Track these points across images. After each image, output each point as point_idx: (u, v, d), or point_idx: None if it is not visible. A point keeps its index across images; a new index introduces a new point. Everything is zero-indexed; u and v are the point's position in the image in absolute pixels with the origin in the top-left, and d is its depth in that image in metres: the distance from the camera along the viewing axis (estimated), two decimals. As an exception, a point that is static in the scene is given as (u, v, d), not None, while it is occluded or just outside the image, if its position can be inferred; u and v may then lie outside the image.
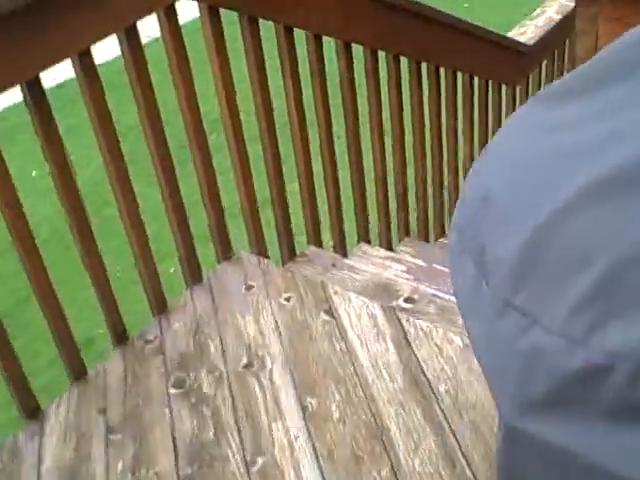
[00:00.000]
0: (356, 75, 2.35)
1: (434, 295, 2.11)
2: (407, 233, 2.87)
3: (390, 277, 2.22)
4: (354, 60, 2.31)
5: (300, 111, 2.18)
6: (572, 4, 3.40)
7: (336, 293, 1.93)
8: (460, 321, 1.75)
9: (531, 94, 3.38)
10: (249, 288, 1.99)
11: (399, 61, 2.50)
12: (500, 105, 3.18)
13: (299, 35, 2.09)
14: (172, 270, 3.79)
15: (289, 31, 2.04)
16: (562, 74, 3.63)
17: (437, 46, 2.63)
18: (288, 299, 1.93)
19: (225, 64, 1.89)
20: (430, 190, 2.92)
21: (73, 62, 1.58)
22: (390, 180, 2.69)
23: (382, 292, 2.12)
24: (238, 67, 2.01)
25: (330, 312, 1.86)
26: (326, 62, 2.20)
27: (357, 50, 2.31)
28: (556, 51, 3.43)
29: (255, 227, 2.17)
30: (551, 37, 3.25)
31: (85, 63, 1.59)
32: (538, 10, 3.39)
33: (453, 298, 2.28)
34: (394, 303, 2.08)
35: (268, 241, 2.28)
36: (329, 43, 2.22)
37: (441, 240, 3.08)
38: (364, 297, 1.92)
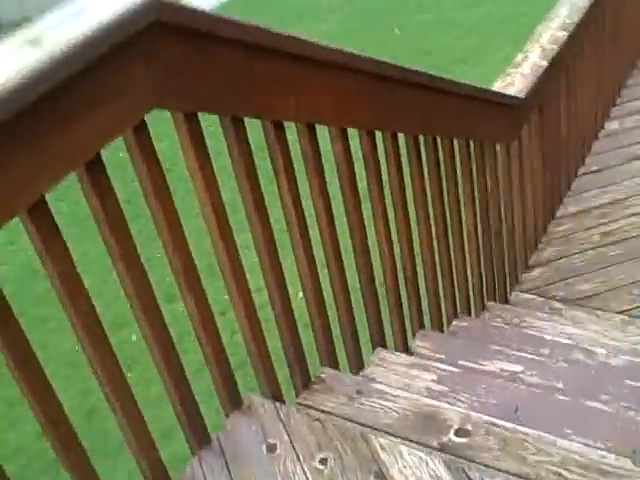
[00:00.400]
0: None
1: (489, 423, 1.76)
2: (421, 324, 2.53)
3: (430, 403, 1.86)
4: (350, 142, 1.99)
5: (300, 213, 1.83)
6: (555, 47, 3.14)
7: (382, 448, 1.55)
8: (531, 458, 1.38)
9: (525, 152, 3.09)
10: (272, 449, 1.61)
11: (397, 138, 2.18)
12: (496, 167, 2.88)
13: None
14: (134, 338, 3.40)
15: (279, 126, 1.70)
16: (551, 128, 3.36)
17: (435, 116, 2.31)
18: (324, 461, 1.55)
19: (212, 183, 1.53)
20: (439, 270, 2.59)
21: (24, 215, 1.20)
22: (398, 267, 2.35)
23: (428, 425, 1.76)
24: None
25: (382, 476, 1.49)
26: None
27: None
28: (543, 103, 3.15)
29: (265, 363, 1.79)
30: (540, 87, 2.96)
31: (37, 216, 1.20)
32: (520, 56, 3.10)
33: (507, 424, 1.94)
34: (445, 439, 1.72)
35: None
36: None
37: (454, 323, 2.74)
38: (419, 451, 1.55)
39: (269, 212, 1.71)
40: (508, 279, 3.24)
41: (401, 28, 7.02)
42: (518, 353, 2.46)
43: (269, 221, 1.72)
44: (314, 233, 1.92)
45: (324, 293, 1.99)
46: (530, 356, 2.46)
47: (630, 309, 3.21)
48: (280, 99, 1.64)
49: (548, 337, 2.75)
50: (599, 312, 3.19)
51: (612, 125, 4.28)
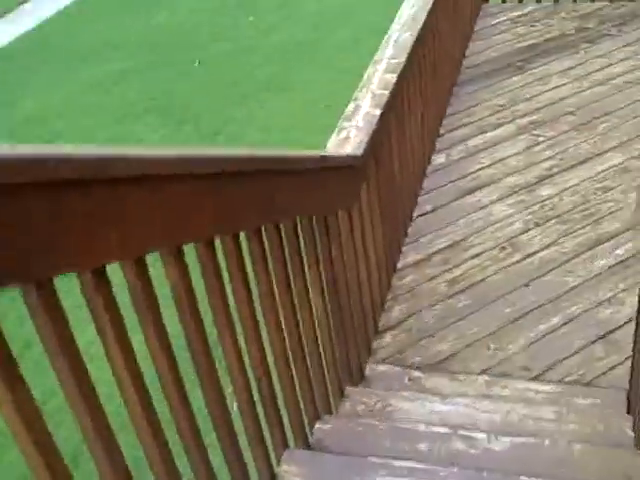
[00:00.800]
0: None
1: None
2: (284, 443, 2.13)
3: None
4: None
5: (135, 370, 1.37)
6: (386, 92, 2.85)
7: None
8: None
9: (365, 211, 2.77)
10: None
11: (238, 238, 1.76)
12: (340, 236, 2.53)
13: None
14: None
15: (99, 273, 1.24)
16: (386, 177, 3.07)
17: (276, 200, 1.92)
18: None
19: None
20: (295, 373, 2.20)
21: None
22: (252, 384, 1.93)
23: None
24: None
25: None
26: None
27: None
28: (378, 154, 2.84)
29: None
30: (376, 138, 2.66)
31: None
32: (351, 105, 2.76)
33: None
34: None
35: None
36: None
37: (317, 427, 2.36)
38: None
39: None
40: (361, 353, 2.92)
41: (200, 60, 6.63)
42: (397, 462, 2.12)
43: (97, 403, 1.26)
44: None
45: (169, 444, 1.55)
46: (412, 465, 2.13)
47: (490, 367, 2.99)
48: (98, 240, 1.18)
49: (421, 427, 2.43)
50: (461, 376, 2.94)
51: (439, 159, 4.08)
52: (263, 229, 1.91)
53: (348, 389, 2.67)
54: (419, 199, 3.81)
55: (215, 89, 6.29)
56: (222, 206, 1.60)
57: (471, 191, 3.87)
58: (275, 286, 2.02)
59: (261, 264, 1.91)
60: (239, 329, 1.84)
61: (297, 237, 2.14)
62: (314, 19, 7.24)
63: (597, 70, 4.71)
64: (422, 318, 3.20)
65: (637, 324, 2.53)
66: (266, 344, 1.99)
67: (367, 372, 2.92)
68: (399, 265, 3.44)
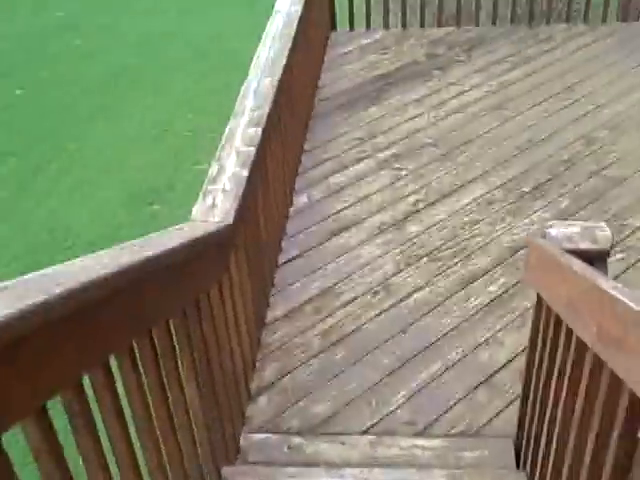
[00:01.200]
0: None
1: None
2: None
3: None
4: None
5: None
6: (252, 148, 2.64)
7: None
8: None
9: (235, 277, 2.54)
10: None
11: (109, 364, 1.49)
12: (212, 314, 2.28)
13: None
14: None
15: None
16: (253, 235, 2.85)
17: (148, 305, 1.67)
18: None
19: None
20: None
21: None
22: None
23: None
24: None
25: None
26: None
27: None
28: (246, 215, 2.62)
29: None
30: (244, 202, 2.44)
31: None
32: (215, 167, 2.50)
33: None
34: None
35: None
36: None
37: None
38: None
39: None
40: (235, 424, 2.67)
41: (23, 88, 6.20)
42: None
43: None
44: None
45: None
46: None
47: (373, 424, 2.83)
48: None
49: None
50: (343, 437, 2.76)
51: (301, 199, 3.91)
52: (135, 344, 1.64)
53: (225, 470, 2.42)
54: (283, 244, 3.62)
55: (41, 119, 5.88)
56: (85, 338, 1.33)
57: (338, 232, 3.72)
58: (149, 396, 1.75)
59: (134, 381, 1.64)
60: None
61: (170, 337, 1.88)
62: (138, 42, 6.97)
63: (452, 98, 4.68)
64: (297, 376, 3.00)
65: (525, 377, 2.42)
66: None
67: (243, 443, 2.68)
68: (268, 319, 3.23)
